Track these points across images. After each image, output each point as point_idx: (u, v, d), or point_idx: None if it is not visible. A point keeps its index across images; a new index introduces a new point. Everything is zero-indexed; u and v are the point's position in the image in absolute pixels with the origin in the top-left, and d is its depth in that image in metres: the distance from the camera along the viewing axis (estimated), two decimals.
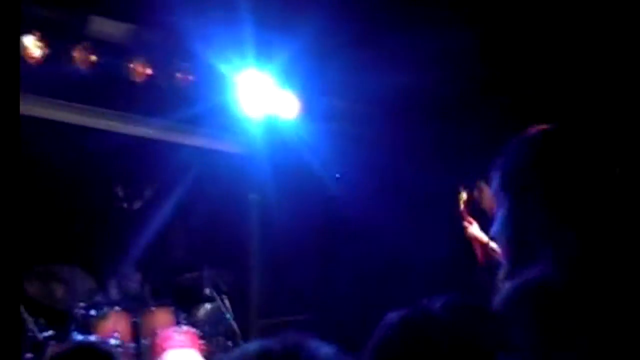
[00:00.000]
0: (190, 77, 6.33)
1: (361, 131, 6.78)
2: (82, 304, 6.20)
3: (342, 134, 6.73)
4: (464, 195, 5.83)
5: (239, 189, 7.17)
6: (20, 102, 6.07)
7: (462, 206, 5.83)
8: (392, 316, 1.46)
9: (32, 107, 6.14)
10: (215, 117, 6.59)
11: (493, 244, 6.44)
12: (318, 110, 6.74)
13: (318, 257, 7.07)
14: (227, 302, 6.66)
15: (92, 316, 6.14)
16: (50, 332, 5.84)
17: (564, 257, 1.64)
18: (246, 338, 6.52)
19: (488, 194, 6.49)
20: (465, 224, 5.79)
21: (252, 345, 1.16)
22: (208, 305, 6.85)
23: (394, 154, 6.68)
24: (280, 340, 1.16)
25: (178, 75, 6.30)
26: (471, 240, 5.93)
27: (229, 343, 6.53)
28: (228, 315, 6.57)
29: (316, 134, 6.63)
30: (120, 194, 7.45)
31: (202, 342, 6.25)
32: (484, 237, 6.31)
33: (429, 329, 1.40)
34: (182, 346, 6.07)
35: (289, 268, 6.98)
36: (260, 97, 6.49)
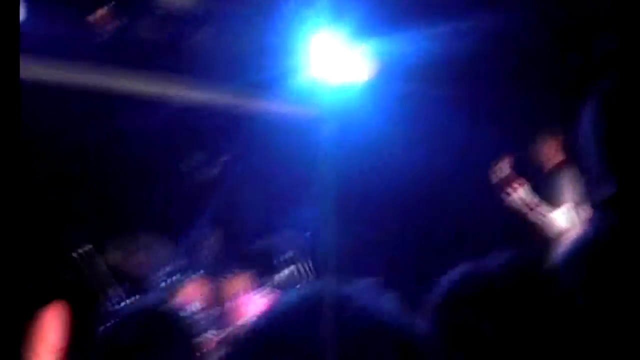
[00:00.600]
0: (261, 41, 6.32)
1: (433, 92, 6.69)
2: (162, 271, 6.31)
3: (415, 96, 6.65)
4: (510, 160, 5.74)
5: (313, 152, 7.14)
6: (96, 75, 6.20)
7: (507, 172, 5.76)
8: (453, 274, 1.47)
9: (107, 79, 6.22)
10: (288, 81, 6.56)
11: (541, 207, 6.38)
12: (391, 72, 6.66)
13: (393, 218, 7.03)
14: (306, 264, 6.67)
15: (172, 283, 6.23)
16: (130, 300, 5.96)
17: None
18: None
19: (546, 153, 6.39)
20: (510, 189, 5.73)
21: (304, 290, 1.14)
22: (287, 269, 6.87)
23: (461, 114, 6.57)
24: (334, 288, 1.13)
25: (248, 39, 6.30)
26: (516, 204, 5.87)
27: None
28: (307, 279, 6.58)
29: (389, 96, 6.55)
30: (198, 160, 7.51)
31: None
32: (533, 200, 6.23)
33: (488, 285, 1.40)
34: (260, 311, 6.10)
35: (366, 229, 6.96)
36: (333, 60, 6.44)
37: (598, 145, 1.70)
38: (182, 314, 2.35)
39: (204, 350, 4.79)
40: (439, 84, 6.67)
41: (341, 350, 1.00)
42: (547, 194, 6.29)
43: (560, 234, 6.11)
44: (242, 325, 5.98)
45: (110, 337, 2.27)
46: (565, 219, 6.17)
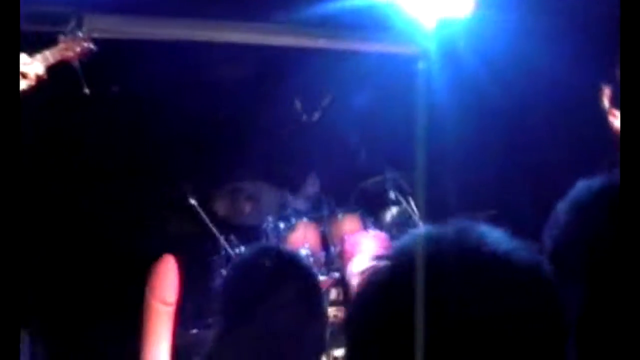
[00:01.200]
0: None
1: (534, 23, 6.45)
2: (270, 218, 6.37)
3: (519, 27, 6.42)
4: (607, 91, 5.56)
5: (414, 92, 7.04)
6: (179, 27, 6.22)
7: (606, 102, 5.58)
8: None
9: (191, 31, 6.27)
10: (383, 20, 6.44)
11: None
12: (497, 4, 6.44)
13: (494, 156, 6.89)
14: (412, 203, 6.64)
15: (281, 229, 6.29)
16: (242, 248, 6.05)
17: None
18: None
19: None
20: (611, 118, 5.53)
21: (422, 230, 1.11)
22: (394, 209, 6.85)
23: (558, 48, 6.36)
24: (451, 226, 1.12)
25: None
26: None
27: None
28: (415, 217, 6.55)
29: (493, 30, 6.36)
30: (298, 106, 7.51)
31: (391, 244, 6.27)
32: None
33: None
34: (371, 250, 6.11)
35: (468, 167, 6.86)
36: None
37: None
38: (301, 254, 2.37)
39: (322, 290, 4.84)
40: (544, 16, 6.43)
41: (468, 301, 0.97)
42: None
43: None
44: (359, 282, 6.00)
45: (238, 279, 2.28)
46: None
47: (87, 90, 4.39)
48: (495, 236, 1.07)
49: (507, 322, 0.95)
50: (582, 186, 1.45)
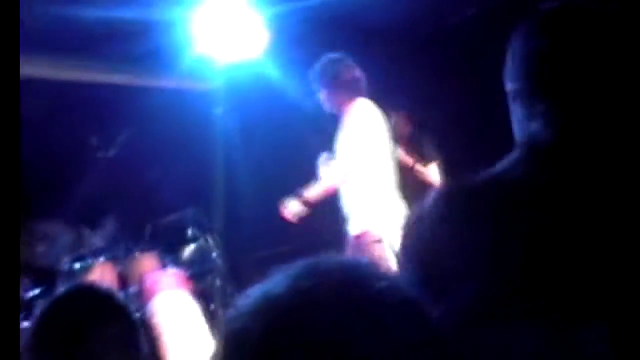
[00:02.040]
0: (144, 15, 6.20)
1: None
2: (65, 259, 6.19)
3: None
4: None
5: (209, 128, 7.12)
6: None
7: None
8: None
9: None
10: (177, 57, 6.47)
11: (419, 166, 6.65)
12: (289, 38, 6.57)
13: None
14: (212, 240, 6.65)
15: (76, 269, 6.11)
16: (36, 291, 5.85)
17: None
18: (235, 275, 6.54)
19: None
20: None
21: (279, 287, 1.00)
22: (193, 245, 6.83)
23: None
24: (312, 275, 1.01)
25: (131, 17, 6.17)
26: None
27: (218, 281, 6.55)
28: (214, 254, 6.56)
29: (288, 65, 6.50)
30: (94, 142, 7.38)
31: (190, 282, 6.25)
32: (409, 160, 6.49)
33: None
34: (170, 288, 6.06)
35: (269, 201, 6.96)
36: (222, 34, 6.33)
37: (532, 68, 1.52)
38: (116, 292, 2.28)
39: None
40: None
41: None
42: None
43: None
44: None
45: (50, 325, 2.14)
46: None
47: None
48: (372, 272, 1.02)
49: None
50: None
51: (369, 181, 5.68)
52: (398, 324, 0.96)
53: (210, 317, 6.16)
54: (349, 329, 0.93)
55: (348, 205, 5.76)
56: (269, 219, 7.04)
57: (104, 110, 7.12)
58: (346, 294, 0.97)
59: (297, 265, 1.03)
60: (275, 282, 1.01)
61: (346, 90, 5.66)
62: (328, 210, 6.98)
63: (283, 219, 6.61)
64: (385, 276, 1.02)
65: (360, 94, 5.65)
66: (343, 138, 5.67)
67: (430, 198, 1.49)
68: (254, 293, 1.01)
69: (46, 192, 6.79)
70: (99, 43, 6.27)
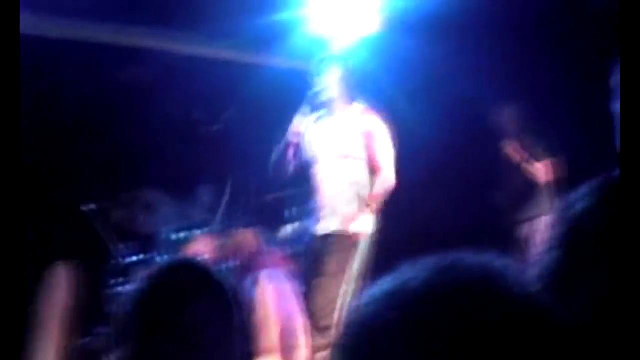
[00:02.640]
0: None
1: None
2: (167, 228, 6.27)
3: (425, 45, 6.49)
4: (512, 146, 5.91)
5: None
6: (100, 30, 6.10)
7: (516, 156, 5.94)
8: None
9: (111, 34, 6.17)
10: (288, 35, 6.44)
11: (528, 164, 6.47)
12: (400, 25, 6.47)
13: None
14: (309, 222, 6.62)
15: (177, 240, 6.19)
16: (135, 258, 5.94)
17: None
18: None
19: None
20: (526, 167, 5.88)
21: (417, 279, 0.95)
22: (292, 225, 6.83)
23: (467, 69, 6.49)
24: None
25: None
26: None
27: None
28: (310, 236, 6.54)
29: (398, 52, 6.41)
30: (199, 117, 7.42)
31: (288, 261, 6.25)
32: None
33: None
34: (268, 266, 6.07)
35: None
36: (337, 12, 6.29)
37: None
38: (216, 268, 2.27)
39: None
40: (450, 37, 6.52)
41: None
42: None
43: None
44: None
45: (151, 296, 2.15)
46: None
47: None
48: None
49: None
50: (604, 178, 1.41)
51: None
52: (537, 333, 0.91)
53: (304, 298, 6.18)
54: (488, 329, 0.89)
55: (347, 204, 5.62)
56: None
57: (212, 86, 7.16)
58: (486, 293, 0.93)
59: (438, 259, 0.98)
60: (413, 273, 0.96)
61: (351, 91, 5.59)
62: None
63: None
64: (523, 280, 0.97)
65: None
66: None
67: (584, 187, 1.42)
68: (388, 281, 0.97)
69: (150, 161, 6.87)
70: (212, 18, 6.29)
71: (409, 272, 0.96)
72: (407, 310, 0.91)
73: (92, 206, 5.94)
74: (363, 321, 0.95)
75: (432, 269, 0.95)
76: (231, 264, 6.23)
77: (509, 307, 0.91)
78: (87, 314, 5.87)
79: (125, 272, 5.90)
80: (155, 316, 2.10)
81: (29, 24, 5.00)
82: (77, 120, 6.50)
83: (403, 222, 6.67)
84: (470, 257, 0.97)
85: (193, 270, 2.21)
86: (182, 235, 6.24)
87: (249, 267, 6.02)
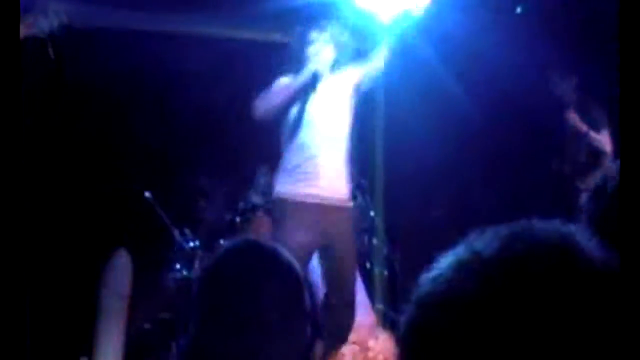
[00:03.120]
0: None
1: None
2: (225, 212, 6.31)
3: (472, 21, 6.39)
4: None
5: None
6: (142, 18, 6.12)
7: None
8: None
9: (153, 22, 6.20)
10: (338, 14, 6.38)
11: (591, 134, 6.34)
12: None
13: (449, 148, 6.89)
14: (370, 199, 6.60)
15: (236, 223, 6.22)
16: (196, 242, 5.99)
17: None
18: (391, 235, 6.48)
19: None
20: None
21: (489, 248, 0.91)
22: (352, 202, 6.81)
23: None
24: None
25: None
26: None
27: (375, 240, 6.50)
28: (372, 213, 6.52)
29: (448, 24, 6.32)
30: (252, 99, 7.44)
31: None
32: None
33: None
34: None
35: (424, 161, 6.86)
36: None
37: None
38: (282, 249, 2.25)
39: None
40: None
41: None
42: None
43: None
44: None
45: (218, 275, 2.15)
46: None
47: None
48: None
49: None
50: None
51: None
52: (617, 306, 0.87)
53: (367, 275, 6.17)
54: (571, 296, 0.85)
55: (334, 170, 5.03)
56: (424, 180, 6.95)
57: (265, 69, 7.16)
58: (564, 265, 0.88)
59: (509, 227, 0.94)
60: (484, 242, 0.93)
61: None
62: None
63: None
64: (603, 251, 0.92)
65: None
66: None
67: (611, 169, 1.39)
68: (458, 253, 0.94)
69: (207, 148, 6.91)
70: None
71: (480, 242, 0.93)
72: (484, 280, 0.88)
73: (152, 192, 6.00)
74: (434, 296, 0.92)
75: (504, 237, 0.92)
76: None
77: (591, 273, 0.88)
78: (151, 299, 5.97)
79: (189, 257, 5.95)
80: (225, 299, 2.08)
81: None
82: (135, 108, 6.56)
83: (468, 191, 6.64)
84: (540, 224, 0.93)
85: (261, 251, 2.18)
86: (241, 218, 6.27)
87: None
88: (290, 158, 5.10)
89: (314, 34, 5.22)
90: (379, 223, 6.42)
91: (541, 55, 6.35)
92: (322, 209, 4.86)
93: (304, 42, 5.21)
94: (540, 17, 6.62)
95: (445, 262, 0.93)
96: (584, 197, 1.44)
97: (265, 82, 6.12)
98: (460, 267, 0.91)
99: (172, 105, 6.87)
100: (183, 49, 6.82)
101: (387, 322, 5.77)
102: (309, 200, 4.87)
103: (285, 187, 4.99)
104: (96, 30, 5.97)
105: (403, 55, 6.07)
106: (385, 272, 6.14)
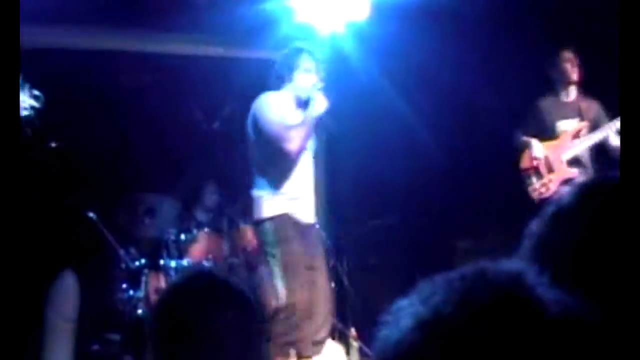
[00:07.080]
0: None
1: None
2: (171, 230, 6.29)
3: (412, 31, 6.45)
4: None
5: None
6: (82, 37, 6.09)
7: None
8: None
9: (103, 39, 6.18)
10: (278, 27, 6.41)
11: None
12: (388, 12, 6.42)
13: (394, 161, 6.94)
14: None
15: (182, 241, 6.22)
16: (142, 261, 5.96)
17: None
18: (338, 246, 6.50)
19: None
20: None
21: (448, 303, 0.90)
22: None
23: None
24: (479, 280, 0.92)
25: None
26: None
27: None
28: (317, 226, 6.53)
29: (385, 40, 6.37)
30: (198, 115, 7.44)
31: None
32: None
33: None
34: None
35: (373, 173, 6.88)
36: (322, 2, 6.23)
37: None
38: (234, 279, 2.28)
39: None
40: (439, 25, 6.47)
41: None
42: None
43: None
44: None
45: (171, 307, 2.19)
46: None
47: None
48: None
49: None
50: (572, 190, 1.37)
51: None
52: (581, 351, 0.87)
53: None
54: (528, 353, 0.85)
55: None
56: (372, 191, 6.97)
57: (207, 84, 7.15)
58: (520, 310, 0.88)
59: (460, 275, 0.93)
60: (442, 296, 0.91)
61: None
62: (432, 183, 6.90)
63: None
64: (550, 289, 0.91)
65: None
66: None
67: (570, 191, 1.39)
68: (418, 306, 0.92)
69: (152, 165, 6.88)
70: (199, 15, 6.29)
71: (437, 297, 0.92)
72: (449, 344, 0.87)
73: (96, 212, 5.96)
74: (389, 347, 0.91)
75: (460, 290, 0.91)
76: (236, 260, 6.28)
77: (547, 322, 0.87)
78: (98, 319, 5.91)
79: (136, 276, 5.92)
80: (181, 328, 2.11)
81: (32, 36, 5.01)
82: (77, 127, 6.51)
83: (474, 189, 6.63)
84: (491, 268, 0.93)
85: (211, 281, 2.23)
86: (186, 235, 6.27)
87: (254, 263, 6.06)
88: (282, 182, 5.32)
89: (297, 56, 5.37)
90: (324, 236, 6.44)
91: (489, 61, 6.39)
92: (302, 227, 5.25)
93: (290, 64, 5.37)
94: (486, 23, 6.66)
95: (405, 321, 0.91)
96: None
97: (211, 98, 6.14)
98: (422, 329, 0.89)
99: (117, 123, 6.84)
100: (128, 66, 6.80)
101: (336, 333, 5.78)
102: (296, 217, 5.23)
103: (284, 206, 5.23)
104: (41, 50, 5.93)
105: (342, 66, 6.15)
106: (333, 284, 6.15)
